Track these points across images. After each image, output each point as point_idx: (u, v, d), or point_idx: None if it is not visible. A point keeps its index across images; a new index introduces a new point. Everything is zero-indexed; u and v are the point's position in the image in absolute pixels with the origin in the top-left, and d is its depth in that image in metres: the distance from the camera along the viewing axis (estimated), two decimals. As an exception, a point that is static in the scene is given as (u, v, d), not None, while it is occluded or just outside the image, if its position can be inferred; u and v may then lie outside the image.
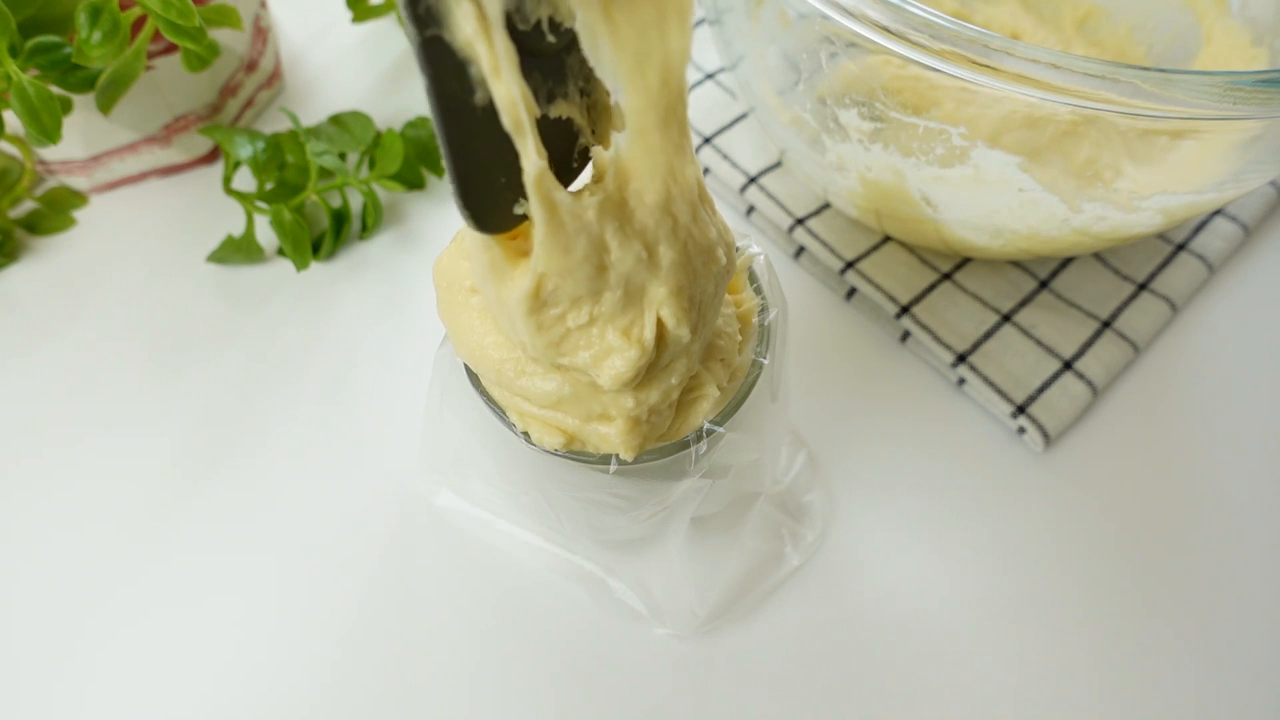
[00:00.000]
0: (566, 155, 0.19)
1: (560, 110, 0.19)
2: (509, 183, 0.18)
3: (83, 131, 0.38)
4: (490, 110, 0.17)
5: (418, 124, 0.42)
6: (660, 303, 0.21)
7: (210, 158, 0.43)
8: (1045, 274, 0.39)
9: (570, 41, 0.18)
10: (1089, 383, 0.35)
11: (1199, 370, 0.37)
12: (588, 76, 0.19)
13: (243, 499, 0.33)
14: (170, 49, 0.37)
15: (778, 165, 0.42)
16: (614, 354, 0.21)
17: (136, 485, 0.33)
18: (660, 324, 0.21)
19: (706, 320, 0.22)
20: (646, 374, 0.22)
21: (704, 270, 0.21)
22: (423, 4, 0.15)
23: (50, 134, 0.32)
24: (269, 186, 0.39)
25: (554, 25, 0.17)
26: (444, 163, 0.18)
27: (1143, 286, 0.38)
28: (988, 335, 0.36)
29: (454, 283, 0.23)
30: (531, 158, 0.17)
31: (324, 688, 0.29)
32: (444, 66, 0.16)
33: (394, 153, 0.39)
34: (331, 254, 0.40)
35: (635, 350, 0.20)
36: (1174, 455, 0.35)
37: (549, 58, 0.18)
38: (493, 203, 0.19)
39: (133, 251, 0.39)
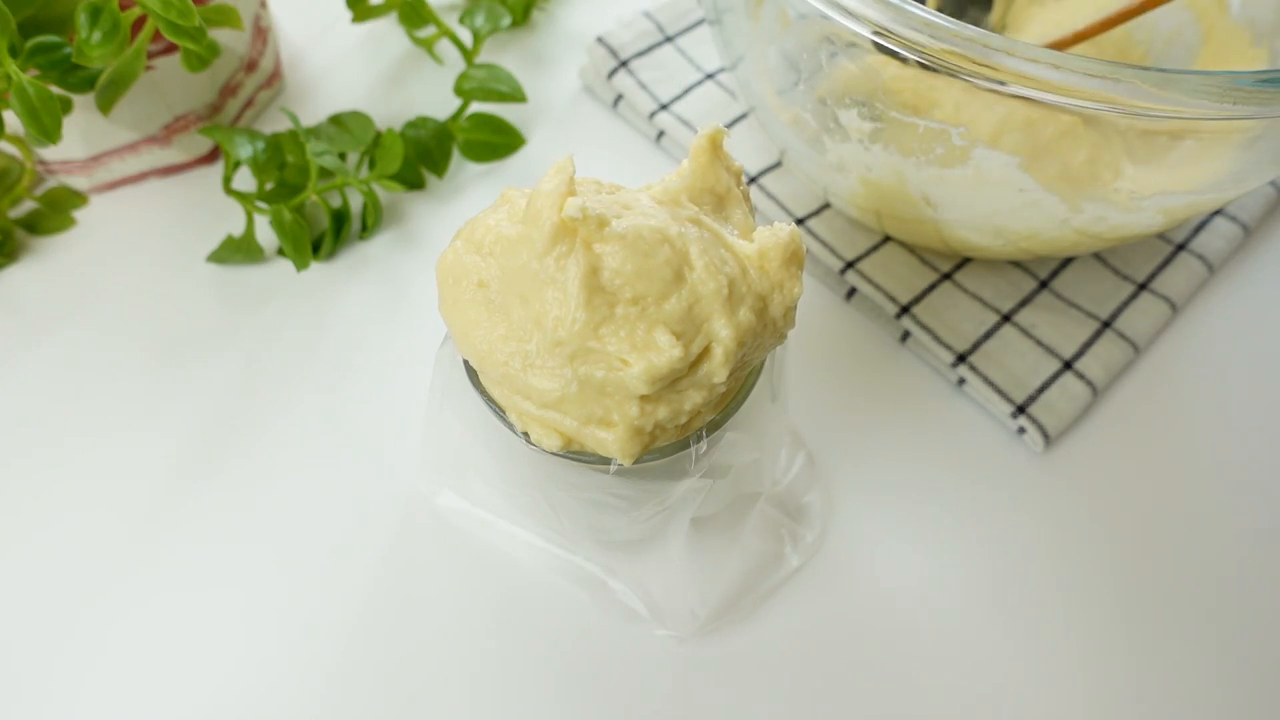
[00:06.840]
0: None
1: None
2: None
3: (83, 131, 0.38)
4: None
5: (418, 124, 0.42)
6: (718, 340, 0.22)
7: (210, 158, 0.43)
8: (1045, 274, 0.39)
9: None
10: (1089, 383, 0.35)
11: (1199, 370, 0.37)
12: None
13: (242, 499, 0.33)
14: (170, 49, 0.37)
15: (778, 165, 0.42)
16: (655, 350, 0.21)
17: (135, 485, 0.33)
18: (706, 351, 0.22)
19: (740, 375, 0.24)
20: (666, 387, 0.22)
21: (767, 343, 0.24)
22: None
23: (50, 134, 0.32)
24: (269, 186, 0.39)
25: None
26: None
27: (1143, 286, 0.38)
28: (988, 335, 0.36)
29: (460, 278, 0.23)
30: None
31: (323, 686, 0.29)
32: None
33: (394, 153, 0.39)
34: (331, 254, 0.40)
35: (679, 351, 0.21)
36: (1174, 455, 0.35)
37: None
38: None
39: (133, 251, 0.39)
